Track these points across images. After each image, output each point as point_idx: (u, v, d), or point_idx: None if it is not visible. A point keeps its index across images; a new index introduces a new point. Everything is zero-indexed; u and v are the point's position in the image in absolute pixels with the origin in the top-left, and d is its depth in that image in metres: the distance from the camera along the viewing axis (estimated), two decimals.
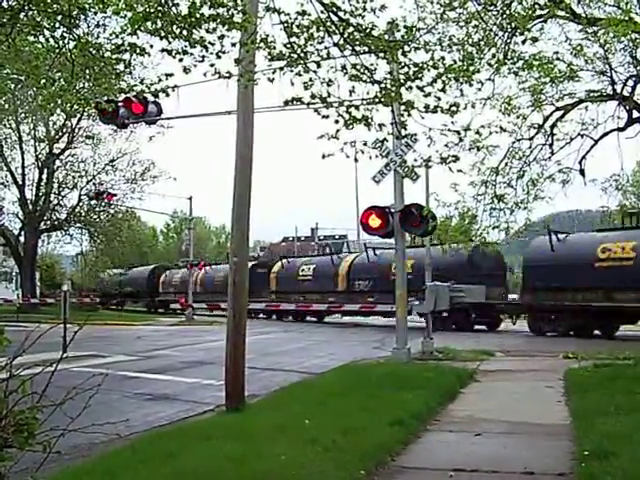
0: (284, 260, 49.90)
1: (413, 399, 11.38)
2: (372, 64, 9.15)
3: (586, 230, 34.46)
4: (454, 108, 9.80)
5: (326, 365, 17.97)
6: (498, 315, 36.56)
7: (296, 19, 8.48)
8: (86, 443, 7.80)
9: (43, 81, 10.66)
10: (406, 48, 9.15)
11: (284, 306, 46.14)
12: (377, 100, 9.38)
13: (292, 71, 8.82)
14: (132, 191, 49.87)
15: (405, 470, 7.85)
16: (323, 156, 10.40)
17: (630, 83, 16.48)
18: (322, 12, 8.42)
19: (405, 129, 10.83)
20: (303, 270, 46.27)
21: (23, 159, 49.01)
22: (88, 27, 9.53)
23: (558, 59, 15.63)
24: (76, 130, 47.61)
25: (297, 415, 9.84)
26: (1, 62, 11.20)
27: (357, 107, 9.38)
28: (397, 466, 7.98)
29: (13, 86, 18.91)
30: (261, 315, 49.26)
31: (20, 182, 49.12)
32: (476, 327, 35.09)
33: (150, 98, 14.02)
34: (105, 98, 12.80)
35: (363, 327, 39.36)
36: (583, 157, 17.21)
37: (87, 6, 8.44)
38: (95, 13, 8.89)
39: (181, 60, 8.10)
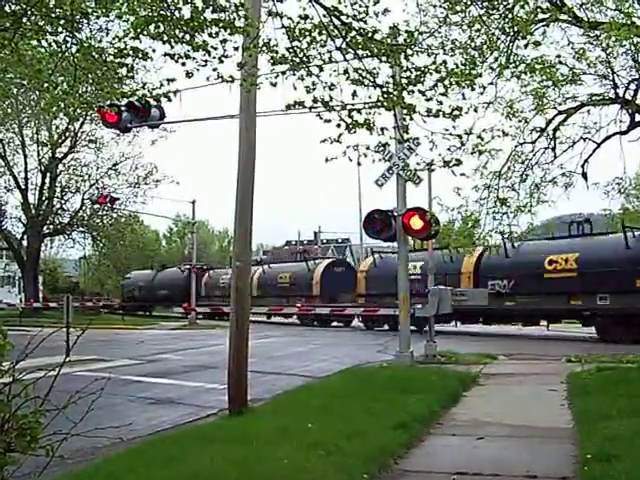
0: (376, 256, 41.05)
1: (416, 403, 11.38)
2: (374, 68, 9.17)
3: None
4: (456, 112, 9.80)
5: (329, 369, 17.96)
6: None
7: (298, 23, 8.50)
8: (89, 447, 7.82)
9: (46, 85, 10.66)
10: (408, 52, 9.16)
11: (382, 311, 36.75)
12: (379, 104, 9.39)
13: (294, 75, 8.84)
14: (135, 195, 50.07)
15: (408, 474, 7.85)
16: (326, 160, 10.44)
17: (632, 87, 16.47)
18: (324, 16, 8.43)
19: (407, 133, 10.83)
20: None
21: (26, 163, 49.14)
22: (91, 31, 9.54)
23: (560, 63, 15.61)
24: (79, 134, 47.76)
25: (300, 419, 9.84)
26: (4, 66, 11.20)
27: (359, 111, 9.39)
28: (400, 469, 7.98)
29: (16, 90, 18.96)
30: (335, 323, 43.53)
31: (23, 186, 49.19)
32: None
33: (153, 102, 14.02)
34: (108, 102, 12.81)
35: (365, 331, 39.23)
36: (586, 160, 17.21)
37: (90, 10, 8.46)
38: (98, 17, 8.91)
39: (184, 64, 8.11)
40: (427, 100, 9.33)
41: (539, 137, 16.91)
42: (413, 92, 9.30)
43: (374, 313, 38.07)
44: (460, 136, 11.72)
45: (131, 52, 8.40)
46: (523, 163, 16.99)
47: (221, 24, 7.81)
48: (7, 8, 8.52)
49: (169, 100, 9.29)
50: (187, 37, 7.86)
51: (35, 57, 10.17)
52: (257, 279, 48.31)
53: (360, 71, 9.03)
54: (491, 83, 14.25)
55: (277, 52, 8.73)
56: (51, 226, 51.56)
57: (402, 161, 17.40)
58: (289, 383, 15.19)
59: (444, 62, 9.58)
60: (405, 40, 9.21)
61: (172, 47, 7.98)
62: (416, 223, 18.18)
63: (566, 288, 28.43)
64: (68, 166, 49.63)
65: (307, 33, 8.59)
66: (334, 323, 43.76)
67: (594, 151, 17.14)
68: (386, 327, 36.97)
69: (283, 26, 8.49)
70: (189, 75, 8.24)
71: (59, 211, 51.07)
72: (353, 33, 8.60)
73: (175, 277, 56.72)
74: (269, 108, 14.31)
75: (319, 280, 45.05)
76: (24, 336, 5.09)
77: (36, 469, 5.02)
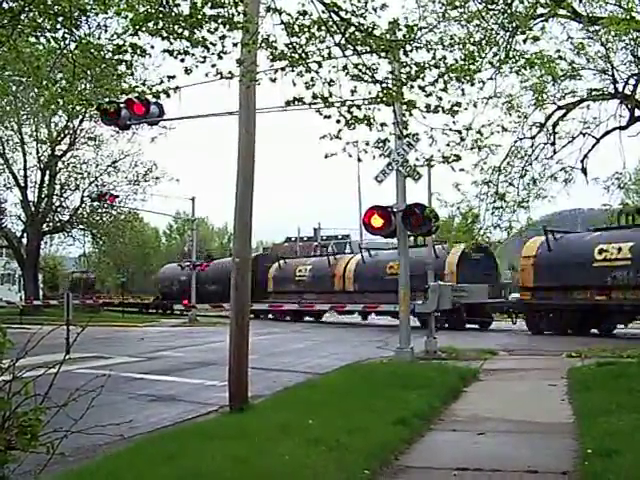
0: (550, 236, 30.71)
1: (417, 398, 11.38)
2: (373, 64, 9.15)
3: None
4: (456, 107, 9.78)
5: (330, 365, 17.97)
6: None
7: (297, 19, 8.48)
8: (90, 444, 7.81)
9: (44, 82, 10.65)
10: (407, 47, 9.13)
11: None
12: (379, 100, 9.37)
13: (294, 71, 8.82)
14: (134, 192, 49.86)
15: (409, 469, 7.85)
16: (326, 156, 10.42)
17: (632, 82, 16.46)
18: (323, 12, 8.42)
19: (407, 129, 10.82)
20: (605, 251, 28.45)
21: (25, 161, 49.08)
22: (89, 28, 9.48)
23: (560, 58, 15.61)
24: (78, 132, 47.62)
25: (301, 415, 9.84)
26: (2, 63, 11.18)
27: (359, 107, 9.37)
28: (401, 465, 7.98)
29: (15, 88, 18.93)
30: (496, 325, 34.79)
31: (22, 184, 49.14)
32: None
33: (152, 99, 14.01)
34: (107, 99, 12.79)
35: (366, 327, 39.16)
36: (585, 156, 17.21)
37: (88, 7, 8.44)
38: (96, 14, 8.88)
39: (182, 61, 8.09)
40: (427, 96, 9.32)
41: (538, 132, 16.92)
42: (413, 88, 9.30)
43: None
44: (460, 132, 11.71)
45: (130, 49, 8.37)
46: (522, 158, 17.00)
47: (220, 20, 7.80)
48: (5, 5, 8.50)
49: (168, 96, 9.27)
50: (186, 33, 7.84)
51: (33, 54, 10.16)
52: (353, 270, 40.55)
53: (359, 67, 9.02)
54: (490, 78, 14.23)
55: (276, 48, 8.71)
56: (51, 224, 51.49)
57: (401, 157, 17.39)
58: (290, 380, 15.19)
59: (443, 57, 9.57)
60: (404, 35, 9.19)
61: (171, 43, 7.96)
62: (416, 219, 18.18)
63: None
64: (67, 164, 49.55)
65: (306, 29, 8.57)
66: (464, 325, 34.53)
67: (593, 146, 17.15)
68: (569, 331, 29.60)
69: (282, 22, 8.47)
70: (188, 71, 8.23)
71: (59, 209, 51.02)
72: (352, 29, 8.58)
73: (230, 270, 47.68)
74: (268, 104, 14.28)
75: (454, 269, 35.01)
76: (24, 334, 5.09)
77: (37, 467, 5.02)
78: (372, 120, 9.46)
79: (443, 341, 21.42)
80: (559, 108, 16.81)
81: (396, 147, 17.08)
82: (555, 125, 16.96)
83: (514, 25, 12.98)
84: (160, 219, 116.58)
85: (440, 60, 9.45)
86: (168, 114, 17.44)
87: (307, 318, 43.74)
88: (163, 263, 61.19)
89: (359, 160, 10.49)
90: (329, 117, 9.29)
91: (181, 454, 7.82)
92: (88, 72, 9.76)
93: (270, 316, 43.95)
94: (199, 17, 7.73)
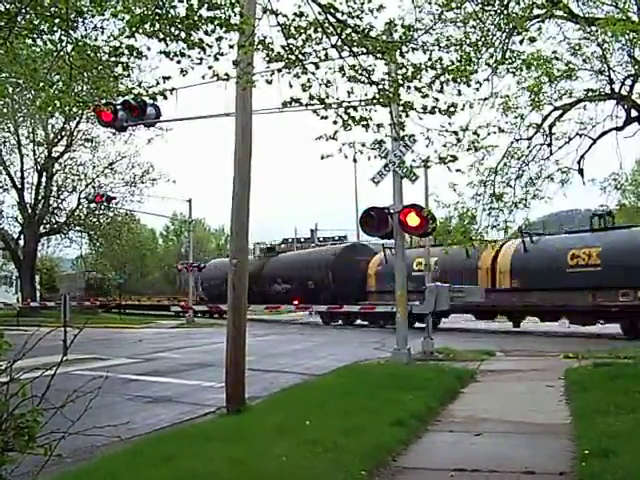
0: None
1: (414, 399, 11.39)
2: (370, 65, 9.17)
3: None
4: (452, 109, 9.80)
5: (327, 366, 17.96)
6: None
7: (294, 21, 8.49)
8: (87, 446, 7.80)
9: (41, 84, 10.65)
10: (404, 49, 9.16)
11: None
12: (375, 101, 9.39)
13: (290, 73, 8.83)
14: (131, 194, 49.90)
15: (406, 470, 7.86)
16: (322, 157, 10.44)
17: (628, 82, 16.47)
18: (320, 13, 8.43)
19: (403, 130, 10.83)
20: None
21: (22, 163, 49.08)
22: (86, 30, 9.49)
23: (557, 58, 15.64)
24: (75, 133, 47.61)
25: (298, 416, 9.85)
26: None
27: (355, 108, 9.39)
28: (398, 466, 7.98)
29: (11, 90, 18.93)
30: None
31: (19, 186, 49.11)
32: None
33: (149, 101, 14.01)
34: (104, 101, 12.79)
35: (363, 328, 39.09)
36: (582, 157, 17.20)
37: (85, 9, 8.44)
38: (93, 16, 8.87)
39: (179, 62, 8.10)
40: (423, 97, 9.34)
41: (535, 133, 16.91)
42: (409, 89, 9.31)
43: None
44: (456, 132, 11.74)
45: (126, 50, 8.37)
46: (519, 159, 17.00)
47: (216, 22, 7.80)
48: (1, 7, 8.49)
49: (165, 98, 9.29)
50: (182, 35, 7.85)
51: (30, 56, 10.16)
52: (510, 262, 30.63)
53: (356, 68, 9.03)
54: (487, 79, 14.24)
55: (272, 50, 8.72)
56: (47, 225, 51.46)
57: (398, 158, 17.39)
58: (287, 381, 15.20)
59: (440, 59, 9.58)
60: (400, 37, 9.22)
61: (167, 45, 7.97)
62: (413, 220, 18.19)
63: None
64: (64, 165, 49.58)
65: (302, 30, 8.58)
66: None
67: (590, 147, 17.14)
68: None
69: (278, 23, 8.48)
70: (184, 73, 8.23)
71: (55, 210, 51.02)
72: (348, 30, 8.59)
73: (313, 263, 38.68)
74: (265, 105, 14.30)
75: None
76: (21, 336, 5.09)
77: (34, 468, 5.02)
78: (369, 121, 9.48)
79: (440, 342, 21.40)
80: (556, 109, 16.81)
81: (393, 148, 17.09)
82: (552, 126, 16.96)
83: (510, 26, 13.00)
84: (157, 220, 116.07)
85: (436, 61, 9.46)
86: (165, 116, 17.46)
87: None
88: (125, 267, 59.46)
89: (355, 161, 10.54)
90: (326, 118, 9.32)
91: (178, 455, 7.83)
92: (85, 74, 9.77)
93: (359, 321, 35.48)
94: (195, 19, 7.73)
